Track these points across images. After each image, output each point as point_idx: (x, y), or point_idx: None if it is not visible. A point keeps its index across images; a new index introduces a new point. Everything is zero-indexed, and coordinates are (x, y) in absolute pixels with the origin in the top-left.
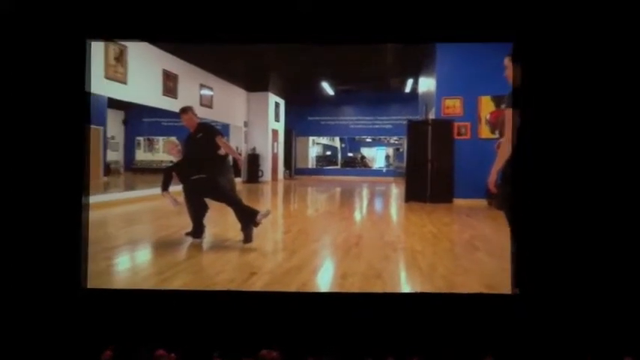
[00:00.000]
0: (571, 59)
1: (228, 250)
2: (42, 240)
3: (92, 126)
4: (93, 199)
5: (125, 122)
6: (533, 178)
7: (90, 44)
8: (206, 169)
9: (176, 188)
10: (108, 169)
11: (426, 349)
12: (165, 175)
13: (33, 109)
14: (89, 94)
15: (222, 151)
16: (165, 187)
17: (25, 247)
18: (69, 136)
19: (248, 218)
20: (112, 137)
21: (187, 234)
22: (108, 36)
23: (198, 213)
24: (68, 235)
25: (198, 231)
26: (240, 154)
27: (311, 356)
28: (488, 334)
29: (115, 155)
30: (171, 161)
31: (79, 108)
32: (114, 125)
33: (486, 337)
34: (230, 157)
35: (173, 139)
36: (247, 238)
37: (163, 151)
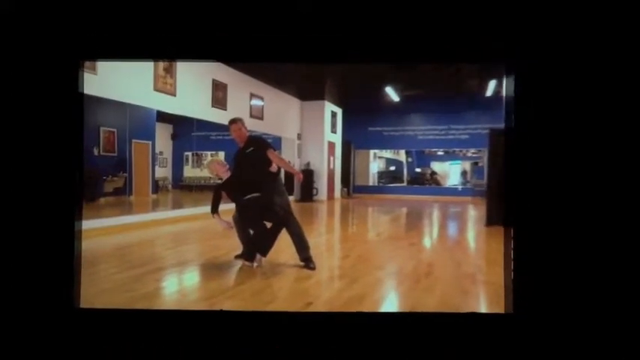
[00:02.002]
0: (567, 69)
1: (281, 276)
2: (34, 258)
3: (140, 141)
4: (141, 217)
5: (174, 137)
6: (531, 194)
7: (83, 66)
8: (259, 188)
9: (227, 207)
10: (156, 186)
11: None
12: (215, 195)
13: (25, 133)
14: (82, 118)
15: (274, 167)
16: (214, 209)
17: (17, 266)
18: (62, 157)
19: (304, 248)
20: (161, 153)
21: (237, 257)
22: (103, 56)
23: (259, 236)
24: (61, 254)
25: (250, 254)
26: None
27: None
28: (483, 356)
29: (163, 171)
30: (220, 179)
31: (72, 132)
32: (162, 140)
33: (482, 358)
34: (282, 174)
35: (219, 157)
36: (309, 264)
37: (209, 171)
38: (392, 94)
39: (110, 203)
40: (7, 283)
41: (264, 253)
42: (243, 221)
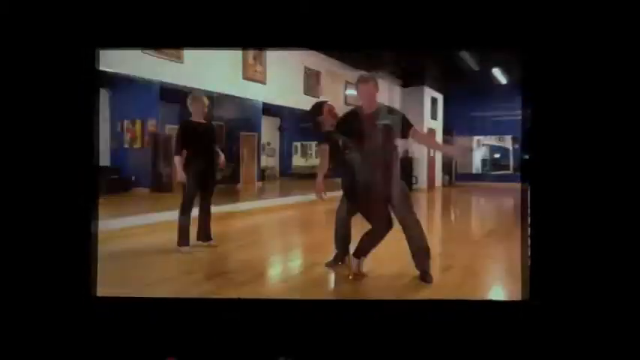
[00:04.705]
0: (579, 62)
1: (385, 289)
2: (52, 247)
3: (247, 133)
4: (246, 205)
5: (281, 129)
6: (549, 184)
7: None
8: (385, 168)
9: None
10: (263, 175)
11: (437, 358)
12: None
13: (40, 119)
14: (97, 111)
15: (398, 149)
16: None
17: (35, 255)
18: (78, 147)
19: (422, 252)
20: (268, 143)
21: (329, 265)
22: (119, 44)
23: (375, 231)
24: (78, 242)
25: (363, 251)
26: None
27: None
28: (498, 343)
29: (271, 161)
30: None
31: (88, 122)
32: (270, 131)
33: (496, 346)
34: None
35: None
36: (425, 277)
37: (316, 119)
38: (498, 75)
39: (220, 191)
40: (25, 273)
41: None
42: (355, 207)
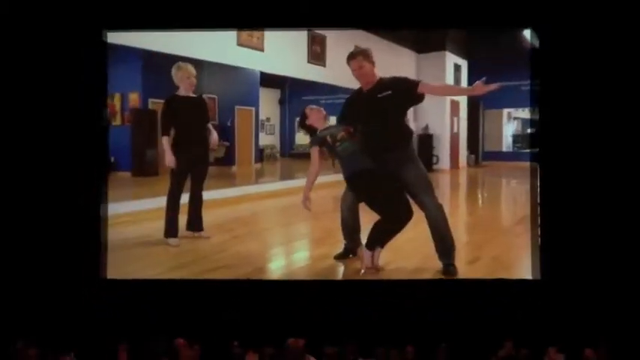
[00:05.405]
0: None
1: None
2: (64, 233)
3: (243, 107)
4: (242, 190)
5: (281, 102)
6: (561, 172)
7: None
8: (389, 149)
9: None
10: (261, 155)
11: (447, 336)
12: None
13: (51, 101)
14: (106, 90)
15: (408, 120)
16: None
17: (49, 240)
18: (89, 132)
19: (446, 248)
20: (267, 119)
21: (339, 257)
22: (126, 27)
23: (386, 219)
24: (89, 229)
25: (373, 244)
26: None
27: (331, 344)
28: (509, 319)
29: (270, 139)
30: (314, 130)
31: (98, 101)
32: (269, 105)
33: (507, 323)
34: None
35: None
36: (449, 270)
37: (300, 124)
38: (533, 39)
39: (211, 174)
40: (38, 256)
41: (382, 243)
42: (359, 196)
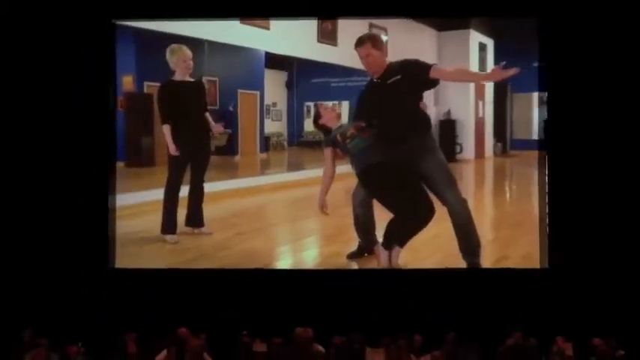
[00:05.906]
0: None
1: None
2: (74, 224)
3: (246, 91)
4: (246, 182)
5: (289, 85)
6: (569, 162)
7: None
8: (403, 139)
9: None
10: (267, 144)
11: (454, 326)
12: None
13: (60, 90)
14: (115, 79)
15: (424, 106)
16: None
17: (56, 232)
18: (97, 121)
19: (471, 247)
20: (274, 104)
21: (352, 256)
22: (135, 16)
23: (402, 216)
24: (98, 220)
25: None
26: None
27: (339, 334)
28: (516, 308)
29: (277, 126)
30: (328, 130)
31: (106, 88)
32: (275, 89)
33: (515, 312)
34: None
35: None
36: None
37: (313, 122)
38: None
39: (212, 164)
40: (48, 247)
41: (401, 242)
42: (372, 193)
